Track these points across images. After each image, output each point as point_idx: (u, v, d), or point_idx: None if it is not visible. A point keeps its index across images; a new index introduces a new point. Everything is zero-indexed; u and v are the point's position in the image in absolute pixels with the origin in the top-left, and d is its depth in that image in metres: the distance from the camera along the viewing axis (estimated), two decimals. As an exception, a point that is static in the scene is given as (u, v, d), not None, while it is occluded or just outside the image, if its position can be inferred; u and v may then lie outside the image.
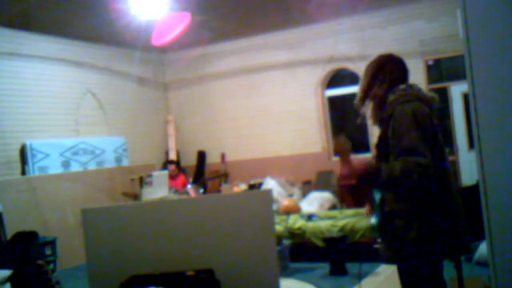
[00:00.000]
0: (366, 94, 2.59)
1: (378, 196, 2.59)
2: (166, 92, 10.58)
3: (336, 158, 9.10)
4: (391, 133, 2.41)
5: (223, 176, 9.85)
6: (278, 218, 6.32)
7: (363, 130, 8.84)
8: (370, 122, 2.66)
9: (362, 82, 2.64)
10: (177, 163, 9.34)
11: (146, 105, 10.00)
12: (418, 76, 7.78)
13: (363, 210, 5.85)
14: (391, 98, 2.48)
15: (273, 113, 9.52)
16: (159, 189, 7.46)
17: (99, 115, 8.90)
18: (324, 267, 5.73)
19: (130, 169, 8.53)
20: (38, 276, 4.89)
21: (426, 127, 2.36)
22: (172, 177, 8.63)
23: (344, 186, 7.84)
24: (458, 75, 8.09)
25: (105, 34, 8.22)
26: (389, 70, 2.56)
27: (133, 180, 7.99)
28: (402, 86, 2.50)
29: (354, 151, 9.85)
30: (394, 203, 2.44)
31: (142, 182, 7.65)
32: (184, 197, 7.12)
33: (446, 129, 7.97)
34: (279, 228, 6.09)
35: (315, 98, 9.20)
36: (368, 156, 7.99)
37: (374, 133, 8.17)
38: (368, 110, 2.64)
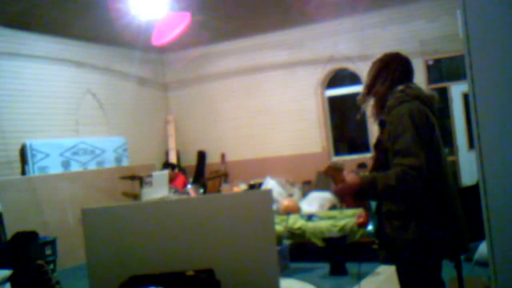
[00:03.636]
0: (369, 90, 2.61)
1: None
2: (166, 92, 10.58)
3: (336, 158, 9.10)
4: (387, 135, 2.41)
5: (223, 176, 9.85)
6: (278, 218, 6.32)
7: (363, 129, 8.85)
8: (370, 119, 2.68)
9: (366, 78, 2.66)
10: (173, 166, 9.26)
11: (146, 105, 10.00)
12: (418, 76, 7.69)
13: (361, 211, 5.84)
14: (390, 100, 2.48)
15: (273, 113, 9.52)
16: (159, 189, 7.46)
17: (99, 115, 8.90)
18: (324, 267, 5.73)
19: (130, 169, 8.53)
20: (38, 276, 4.89)
21: (423, 127, 2.36)
22: (170, 178, 8.59)
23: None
24: (458, 75, 8.09)
25: (105, 34, 8.22)
26: (393, 68, 2.58)
27: (133, 180, 7.98)
28: (400, 88, 2.50)
29: (354, 151, 9.71)
30: (390, 204, 2.44)
31: (141, 182, 7.65)
32: (184, 197, 7.12)
33: (446, 129, 7.97)
34: (279, 228, 6.09)
35: (315, 98, 9.20)
36: (368, 156, 7.99)
37: (374, 133, 8.17)
38: (369, 107, 2.65)
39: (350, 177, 2.37)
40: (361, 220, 2.78)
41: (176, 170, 8.95)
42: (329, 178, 2.55)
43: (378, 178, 2.30)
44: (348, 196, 2.40)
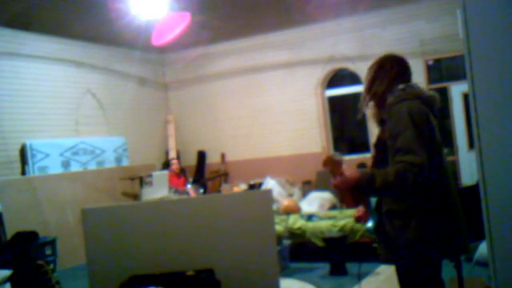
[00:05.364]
0: (369, 93, 2.61)
1: (374, 198, 2.59)
2: (166, 92, 10.58)
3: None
4: (388, 133, 2.41)
5: (223, 176, 9.85)
6: (278, 218, 6.31)
7: (363, 129, 8.85)
8: (370, 121, 2.68)
9: (365, 83, 2.66)
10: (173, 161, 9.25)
11: (146, 105, 10.00)
12: (418, 76, 7.76)
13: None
14: (390, 98, 2.48)
15: (273, 113, 9.52)
16: (159, 189, 7.45)
17: (99, 115, 8.90)
18: (324, 267, 5.73)
19: (130, 169, 8.52)
20: (38, 276, 4.88)
21: (423, 126, 2.35)
22: (176, 174, 8.57)
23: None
24: (458, 75, 8.09)
25: (105, 33, 8.22)
26: (388, 68, 2.58)
27: (132, 180, 7.97)
28: (401, 86, 2.50)
29: (354, 151, 9.69)
30: (391, 203, 2.44)
31: (141, 182, 7.64)
32: (184, 197, 7.11)
33: (446, 129, 7.97)
34: (279, 228, 6.09)
35: (315, 98, 9.20)
36: (368, 156, 7.99)
37: (373, 133, 8.17)
38: (370, 109, 2.65)
39: (349, 171, 2.35)
40: (359, 214, 2.75)
41: (177, 163, 8.88)
42: (328, 169, 2.55)
43: (377, 174, 2.29)
44: (346, 190, 2.38)
